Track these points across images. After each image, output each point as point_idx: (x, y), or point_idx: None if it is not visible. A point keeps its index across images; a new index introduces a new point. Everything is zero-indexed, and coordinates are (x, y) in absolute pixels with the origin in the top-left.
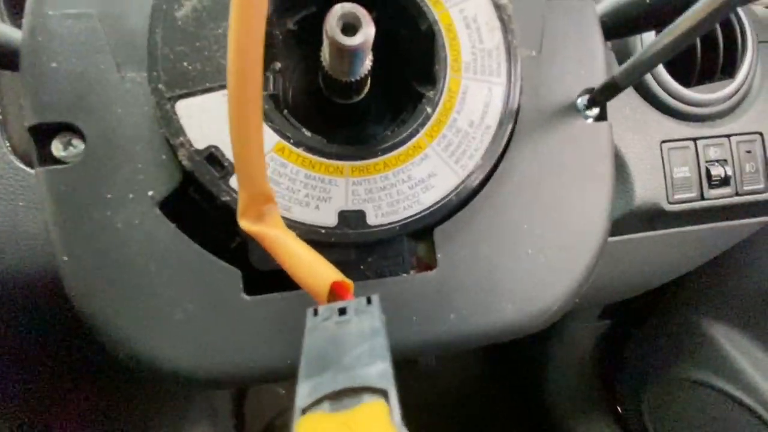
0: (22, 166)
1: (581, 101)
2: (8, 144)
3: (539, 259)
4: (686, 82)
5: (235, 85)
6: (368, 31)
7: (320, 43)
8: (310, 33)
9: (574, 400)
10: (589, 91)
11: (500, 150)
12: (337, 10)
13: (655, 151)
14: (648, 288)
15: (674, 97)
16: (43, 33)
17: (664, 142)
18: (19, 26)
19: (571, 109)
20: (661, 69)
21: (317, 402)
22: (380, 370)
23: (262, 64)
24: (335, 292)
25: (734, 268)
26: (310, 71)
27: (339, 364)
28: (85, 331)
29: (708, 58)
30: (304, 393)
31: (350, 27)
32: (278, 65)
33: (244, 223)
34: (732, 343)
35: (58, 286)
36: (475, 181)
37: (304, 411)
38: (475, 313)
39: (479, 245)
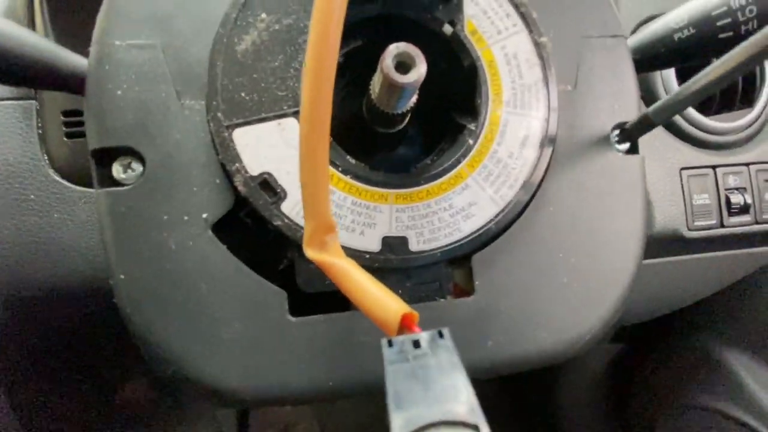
0: (59, 179)
1: (614, 135)
2: (47, 158)
3: (574, 288)
4: (706, 111)
5: (307, 118)
6: (421, 70)
7: (363, 74)
8: (355, 65)
9: (585, 424)
10: (622, 125)
11: (538, 181)
12: (393, 49)
13: (675, 178)
14: (666, 312)
15: (694, 126)
16: (110, 62)
17: (683, 169)
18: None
19: (605, 143)
20: None
21: None
22: (470, 406)
23: (331, 99)
24: (403, 324)
25: (751, 295)
26: (351, 100)
27: (427, 397)
28: (102, 345)
29: (727, 87)
30: (398, 424)
31: (404, 65)
32: None
33: (310, 252)
34: (748, 371)
35: (89, 295)
36: (514, 211)
37: None
38: (512, 340)
39: (516, 273)
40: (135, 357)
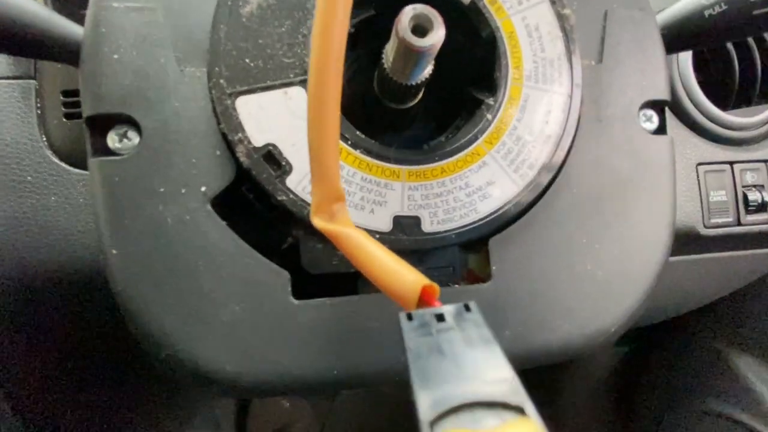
0: (57, 161)
1: (642, 113)
2: (44, 138)
3: (598, 276)
4: (724, 105)
5: (316, 83)
6: (439, 33)
7: (374, 47)
8: (365, 36)
9: (590, 427)
10: (650, 103)
11: (560, 161)
12: (410, 10)
13: (691, 174)
14: (678, 313)
15: (711, 120)
16: (107, 25)
17: (700, 164)
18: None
19: (632, 122)
20: (698, 91)
21: (443, 415)
22: (512, 385)
23: (343, 64)
24: (422, 298)
25: (761, 298)
26: (361, 74)
27: (459, 375)
28: (106, 332)
29: (746, 81)
30: (426, 405)
31: (421, 28)
32: None
33: (318, 221)
34: (757, 375)
35: (86, 281)
36: (534, 192)
37: (432, 425)
38: (530, 330)
39: (535, 258)
40: (133, 346)
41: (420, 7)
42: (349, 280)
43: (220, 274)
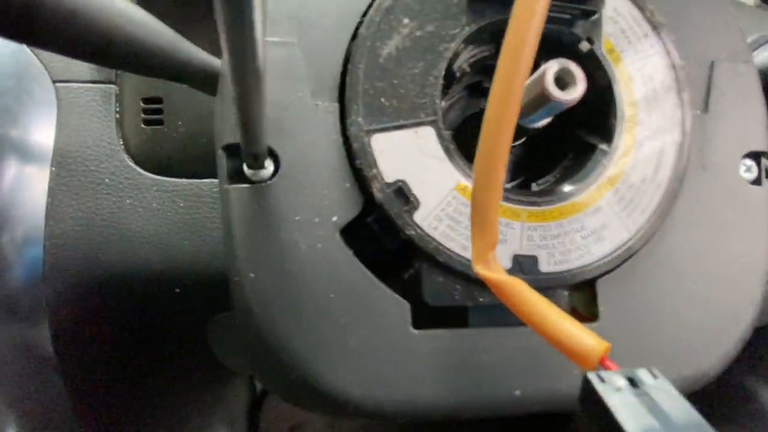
0: (133, 165)
1: (743, 163)
2: (121, 142)
3: (697, 320)
4: None
5: (490, 139)
6: (581, 89)
7: (481, 81)
8: (475, 71)
9: None
10: (752, 154)
11: (669, 207)
12: (554, 64)
13: None
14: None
15: None
16: None
17: None
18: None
19: (734, 171)
20: None
21: None
22: None
23: (517, 116)
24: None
25: None
26: (464, 108)
27: None
28: (152, 330)
29: None
30: None
31: (561, 81)
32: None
33: (480, 269)
34: None
35: (150, 281)
36: (644, 237)
37: None
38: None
39: (640, 301)
40: (171, 346)
41: (564, 62)
42: (460, 311)
43: (347, 302)
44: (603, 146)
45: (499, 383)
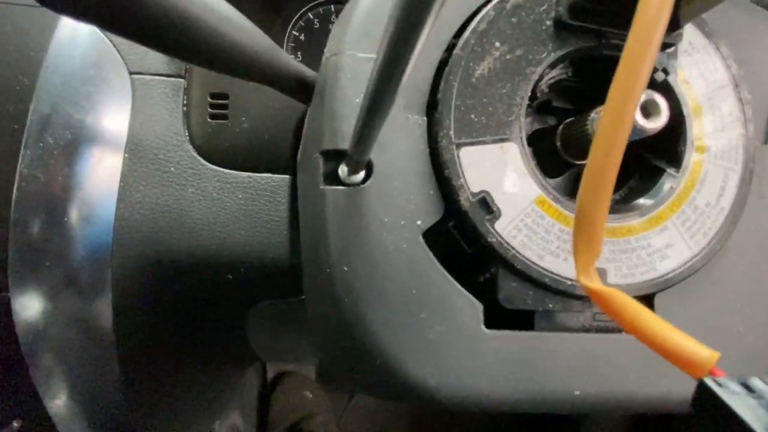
0: (196, 156)
1: None
2: (187, 134)
3: (747, 339)
4: None
5: (603, 148)
6: (663, 119)
7: (552, 102)
8: (548, 93)
9: None
10: None
11: (730, 231)
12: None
13: None
14: None
15: None
16: (349, 71)
17: None
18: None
19: None
20: None
21: None
22: None
23: (629, 132)
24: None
25: None
26: (535, 126)
27: None
28: (195, 318)
29: None
30: None
31: (645, 111)
32: None
33: (585, 281)
34: None
35: (207, 268)
36: (705, 258)
37: None
38: (687, 382)
39: (695, 316)
40: (228, 336)
41: (649, 92)
42: (527, 315)
43: (427, 298)
44: (671, 170)
45: (561, 383)
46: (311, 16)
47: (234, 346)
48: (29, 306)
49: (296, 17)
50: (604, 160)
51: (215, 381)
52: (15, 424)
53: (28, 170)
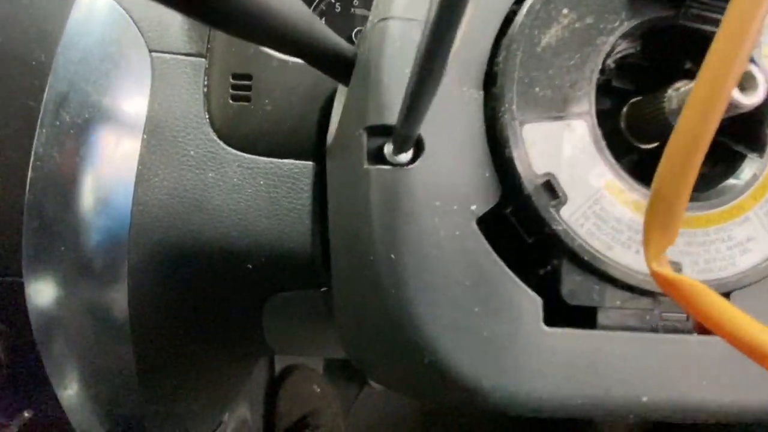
0: (216, 139)
1: None
2: (207, 116)
3: None
4: None
5: (693, 124)
6: (763, 92)
7: (612, 82)
8: (621, 71)
9: None
10: None
11: None
12: None
13: None
14: None
15: None
16: (396, 38)
17: None
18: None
19: None
20: None
21: None
22: None
23: (725, 109)
24: None
25: None
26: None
27: None
28: (209, 307)
29: None
30: None
31: (741, 85)
32: None
33: (657, 267)
34: None
35: (226, 256)
36: None
37: None
38: (762, 389)
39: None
40: (243, 325)
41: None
42: (589, 312)
43: (481, 291)
44: (753, 155)
45: (627, 388)
46: None
47: (249, 337)
48: (43, 291)
49: None
50: (692, 136)
51: (228, 372)
52: (26, 414)
53: (44, 149)
